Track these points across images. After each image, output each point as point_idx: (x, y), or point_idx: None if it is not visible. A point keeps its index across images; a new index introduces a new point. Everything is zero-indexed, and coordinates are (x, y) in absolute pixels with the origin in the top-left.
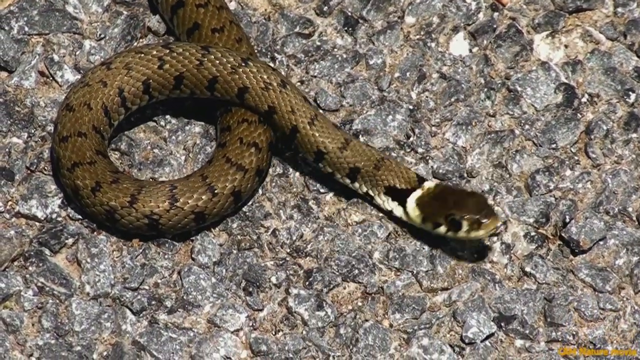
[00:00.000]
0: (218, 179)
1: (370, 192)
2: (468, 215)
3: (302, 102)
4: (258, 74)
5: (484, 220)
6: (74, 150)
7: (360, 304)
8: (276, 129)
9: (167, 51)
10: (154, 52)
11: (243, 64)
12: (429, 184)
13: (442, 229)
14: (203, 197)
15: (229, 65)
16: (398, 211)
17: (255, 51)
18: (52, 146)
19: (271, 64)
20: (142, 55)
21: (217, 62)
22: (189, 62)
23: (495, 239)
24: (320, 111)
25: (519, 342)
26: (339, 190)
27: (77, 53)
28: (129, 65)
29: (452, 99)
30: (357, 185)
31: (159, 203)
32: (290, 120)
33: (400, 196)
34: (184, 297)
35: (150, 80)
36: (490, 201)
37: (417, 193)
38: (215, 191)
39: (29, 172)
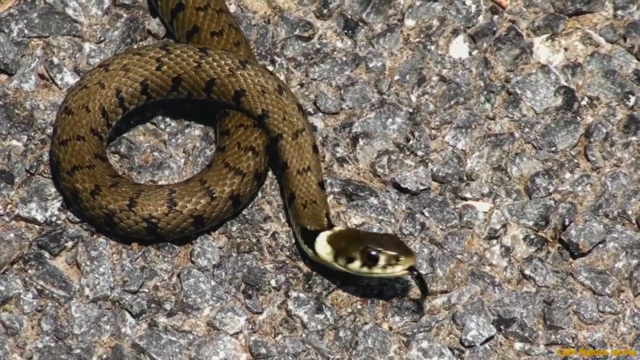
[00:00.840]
0: (216, 183)
1: (295, 229)
2: (386, 250)
3: (295, 112)
4: (256, 77)
5: (401, 257)
6: (73, 154)
7: (359, 306)
8: (266, 133)
9: (165, 53)
10: (152, 54)
11: (241, 67)
12: (340, 228)
13: (356, 264)
14: (202, 201)
15: (227, 67)
16: (309, 252)
17: (255, 54)
18: (52, 149)
19: (269, 68)
20: (140, 56)
21: (215, 64)
22: (187, 64)
23: (494, 241)
24: (310, 125)
25: (518, 345)
26: (338, 194)
27: (77, 56)
28: (126, 66)
29: (452, 102)
30: (290, 213)
31: (157, 207)
32: (278, 128)
33: (310, 237)
34: (184, 300)
35: (148, 82)
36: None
37: (327, 233)
38: (214, 195)
39: (28, 175)
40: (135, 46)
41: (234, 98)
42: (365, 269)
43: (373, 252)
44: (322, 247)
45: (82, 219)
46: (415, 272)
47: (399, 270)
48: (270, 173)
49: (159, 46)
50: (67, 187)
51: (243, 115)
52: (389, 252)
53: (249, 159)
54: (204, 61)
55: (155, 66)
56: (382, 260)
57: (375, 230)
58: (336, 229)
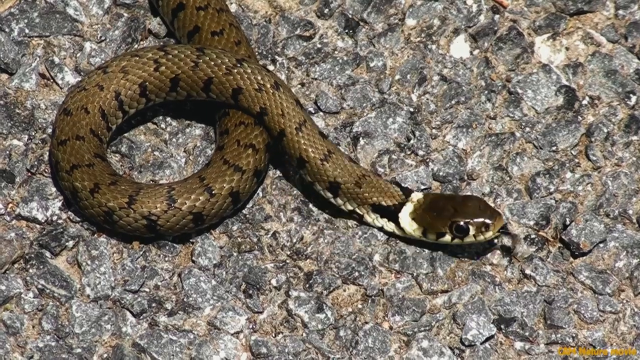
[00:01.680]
0: (216, 180)
1: (358, 211)
2: (474, 220)
3: (293, 106)
4: (252, 75)
5: (489, 222)
6: (72, 153)
7: (360, 306)
8: (267, 131)
9: (163, 53)
10: (150, 55)
11: (238, 65)
12: (417, 195)
13: (447, 238)
14: (201, 197)
15: (224, 66)
16: (389, 227)
17: (256, 54)
18: (51, 150)
19: (270, 67)
20: (138, 58)
21: (212, 63)
22: (184, 63)
23: (495, 241)
24: (311, 117)
25: (518, 345)
26: None
27: (78, 55)
28: (125, 68)
29: (453, 102)
30: (340, 201)
31: (156, 204)
32: (279, 124)
33: (389, 213)
34: (184, 300)
35: (147, 83)
36: (487, 200)
37: (409, 207)
38: (213, 192)
39: (29, 174)
40: (137, 46)
41: (232, 96)
42: (457, 241)
43: (462, 224)
44: (408, 225)
45: (83, 219)
46: (505, 230)
47: (490, 235)
48: (271, 172)
49: (156, 47)
50: (66, 187)
51: (243, 114)
52: (478, 220)
53: (248, 156)
54: (201, 60)
55: (153, 67)
56: (472, 230)
57: (375, 230)
58: (414, 198)
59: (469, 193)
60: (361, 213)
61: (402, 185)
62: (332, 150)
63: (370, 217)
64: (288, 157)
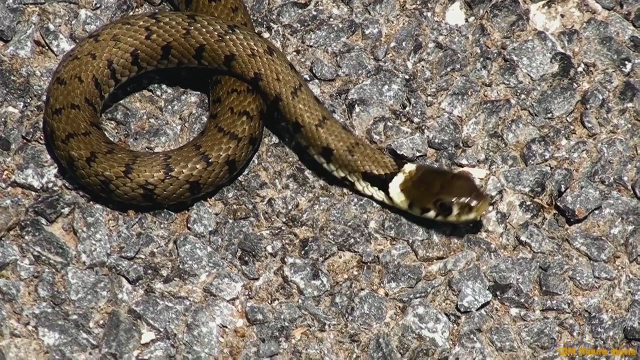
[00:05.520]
0: (212, 149)
1: (349, 178)
2: (458, 200)
3: (288, 70)
4: (245, 41)
5: (474, 204)
6: (68, 122)
7: (356, 273)
8: (262, 96)
9: (154, 21)
10: (141, 23)
11: (230, 32)
12: (410, 167)
13: (432, 214)
14: (198, 166)
15: (216, 33)
16: (379, 196)
17: (252, 21)
18: (45, 119)
19: (266, 35)
20: (130, 26)
21: (204, 30)
22: (176, 31)
23: (491, 208)
24: (306, 82)
25: (514, 311)
26: None
27: (73, 23)
28: (116, 37)
29: (449, 69)
30: (332, 167)
31: (154, 173)
32: (274, 89)
33: (380, 182)
34: (180, 267)
35: (139, 52)
36: (477, 182)
37: (400, 178)
38: (210, 160)
39: (25, 141)
40: (132, 13)
41: (225, 63)
42: (440, 218)
43: (446, 203)
44: (397, 196)
45: (79, 186)
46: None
47: (472, 217)
48: (266, 140)
49: (147, 15)
50: (62, 156)
51: (236, 82)
52: (462, 201)
53: (243, 124)
54: (192, 28)
55: (145, 35)
56: (455, 210)
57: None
58: (407, 169)
59: (463, 170)
60: (352, 181)
61: (398, 153)
62: (327, 117)
63: (361, 185)
64: (285, 122)
